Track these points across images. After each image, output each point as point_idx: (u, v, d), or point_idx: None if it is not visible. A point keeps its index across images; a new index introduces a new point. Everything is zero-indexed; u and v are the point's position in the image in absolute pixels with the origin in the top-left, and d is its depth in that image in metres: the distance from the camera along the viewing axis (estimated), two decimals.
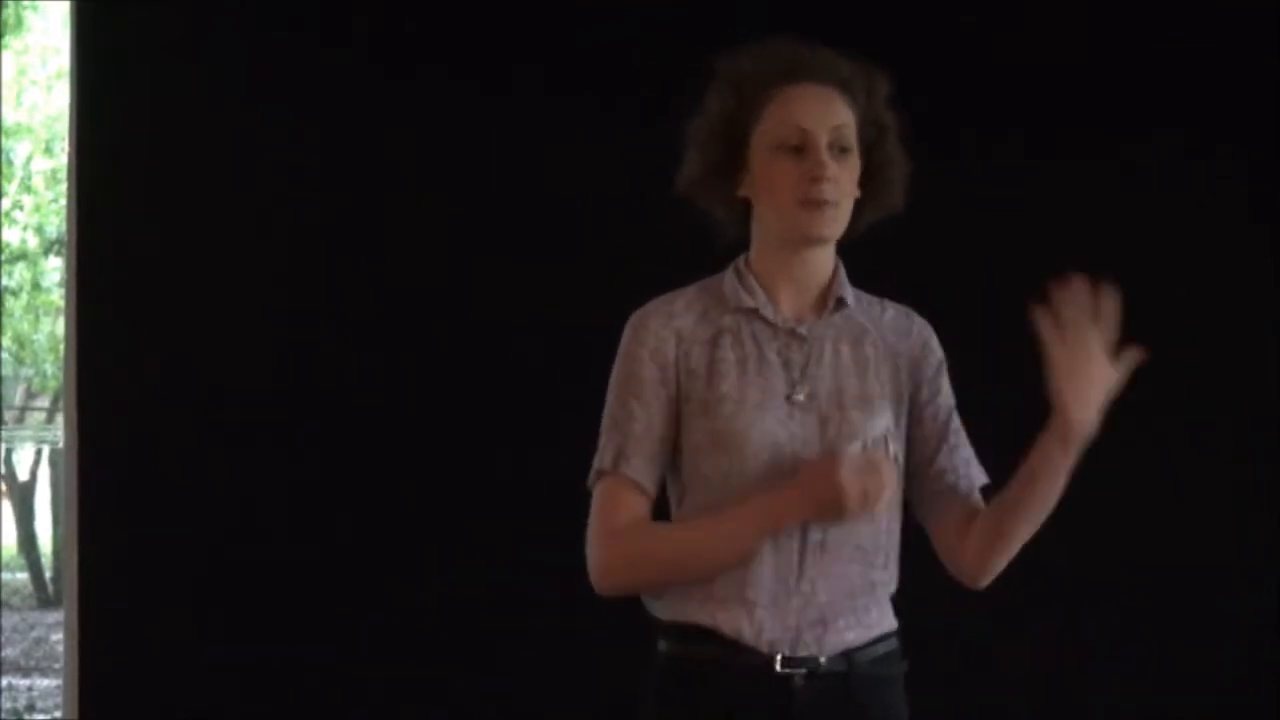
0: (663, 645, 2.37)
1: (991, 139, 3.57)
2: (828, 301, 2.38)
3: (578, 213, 3.56)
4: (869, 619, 2.35)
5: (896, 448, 2.36)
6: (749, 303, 2.37)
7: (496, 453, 3.59)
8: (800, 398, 2.33)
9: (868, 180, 2.37)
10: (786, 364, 2.35)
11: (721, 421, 2.33)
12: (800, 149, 2.30)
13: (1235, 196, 3.57)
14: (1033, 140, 3.58)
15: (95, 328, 3.72)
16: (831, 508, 2.24)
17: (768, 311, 2.37)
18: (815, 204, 2.30)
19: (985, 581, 2.41)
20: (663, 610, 2.37)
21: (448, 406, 3.62)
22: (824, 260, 2.38)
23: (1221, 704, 3.52)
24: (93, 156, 3.75)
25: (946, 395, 2.42)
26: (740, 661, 2.30)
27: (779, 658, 2.30)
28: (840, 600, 2.32)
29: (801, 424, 2.32)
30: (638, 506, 2.35)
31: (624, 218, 3.50)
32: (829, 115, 2.31)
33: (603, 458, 2.37)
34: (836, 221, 2.33)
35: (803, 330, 2.36)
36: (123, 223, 3.72)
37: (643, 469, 2.36)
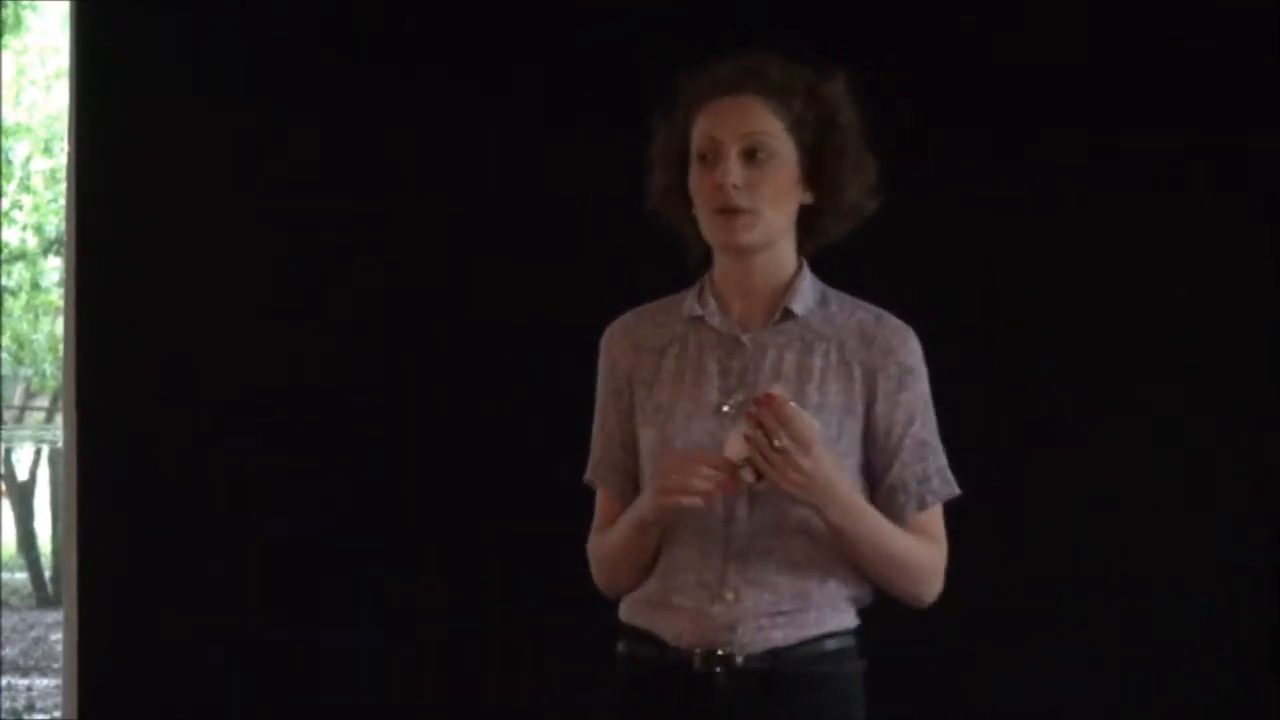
0: (618, 646, 2.45)
1: (991, 139, 3.56)
2: (778, 310, 2.39)
3: (578, 213, 3.55)
4: (804, 620, 2.35)
5: (843, 460, 2.34)
6: (697, 311, 2.41)
7: (498, 453, 3.59)
8: (728, 408, 2.35)
9: (817, 184, 2.38)
10: (724, 373, 2.38)
11: (656, 431, 2.39)
12: (712, 158, 2.34)
13: (1235, 196, 3.56)
14: (1032, 140, 3.57)
15: (94, 328, 3.72)
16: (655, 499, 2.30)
17: (714, 320, 2.39)
18: (726, 212, 2.33)
19: (919, 604, 2.41)
20: (620, 613, 2.46)
21: (448, 406, 3.62)
22: (774, 268, 2.39)
23: (1221, 704, 3.52)
24: (92, 156, 3.74)
25: (906, 407, 2.39)
26: (668, 660, 2.36)
27: (698, 655, 2.33)
28: (765, 607, 2.34)
29: (733, 435, 2.32)
30: (608, 512, 2.49)
31: (624, 219, 3.49)
32: (741, 123, 2.33)
33: (589, 466, 2.51)
34: (753, 229, 2.34)
35: (745, 339, 2.38)
36: (122, 223, 3.72)
37: (612, 477, 2.48)
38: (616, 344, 2.47)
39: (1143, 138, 3.54)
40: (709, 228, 2.36)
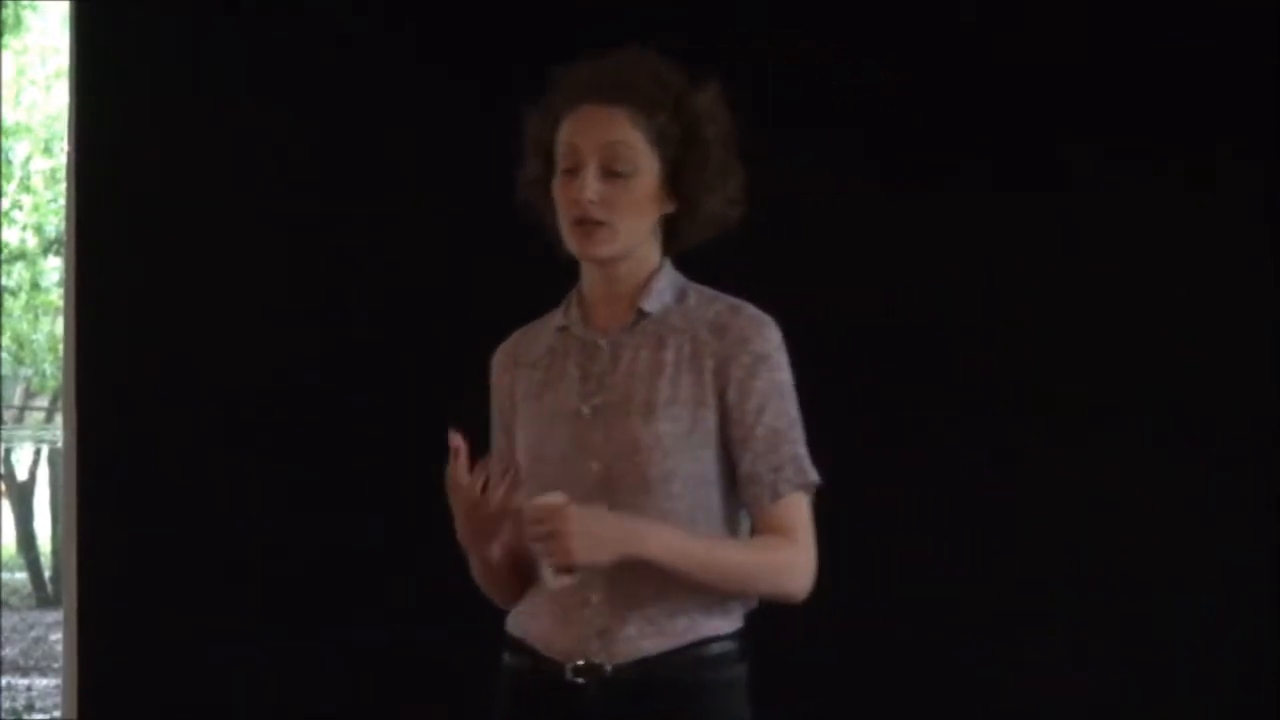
0: (504, 657, 2.44)
1: (991, 139, 3.57)
2: (633, 312, 2.39)
3: None
4: (672, 627, 2.32)
5: (693, 453, 2.32)
6: (562, 321, 2.44)
7: None
8: (586, 410, 2.35)
9: (679, 195, 2.36)
10: (585, 376, 2.38)
11: (524, 438, 2.42)
12: (573, 169, 2.33)
13: (1236, 196, 3.57)
14: (1032, 140, 3.58)
15: (94, 327, 3.72)
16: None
17: (577, 329, 2.41)
18: (583, 224, 2.33)
19: (791, 602, 2.36)
20: (506, 622, 2.46)
21: (449, 407, 3.61)
22: (633, 273, 2.39)
23: (1222, 704, 3.52)
24: (92, 156, 3.75)
25: (758, 395, 2.34)
26: (542, 671, 2.35)
27: (569, 666, 2.33)
28: (631, 612, 2.32)
29: (589, 435, 2.34)
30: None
31: None
32: (600, 135, 2.32)
33: None
34: (609, 242, 2.34)
35: (602, 342, 2.39)
36: (122, 222, 3.73)
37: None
38: (500, 362, 2.51)
39: (1142, 137, 3.55)
40: (568, 237, 2.36)
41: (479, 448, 3.61)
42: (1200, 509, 3.54)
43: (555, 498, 2.22)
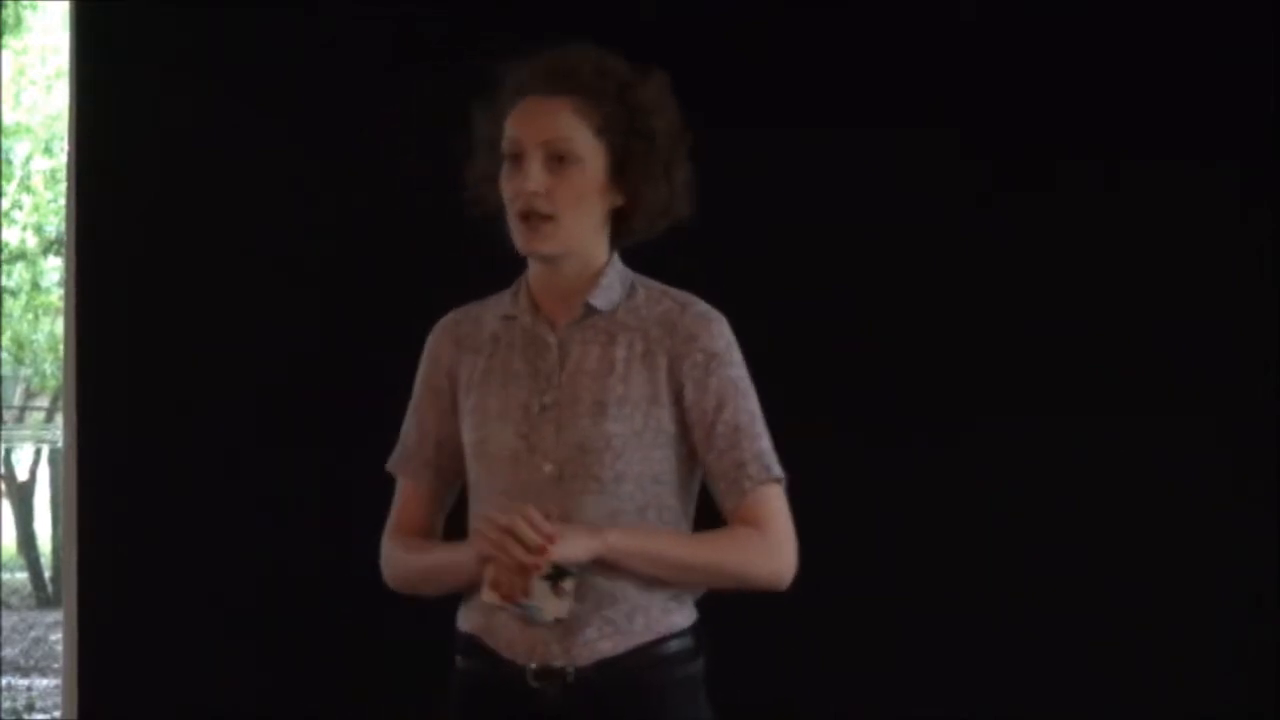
0: (456, 658, 2.42)
1: (992, 139, 3.57)
2: (581, 307, 2.37)
3: None
4: (629, 627, 2.31)
5: (645, 453, 2.32)
6: (510, 310, 2.41)
7: None
8: (536, 408, 2.34)
9: (626, 184, 2.34)
10: (534, 372, 2.36)
11: (471, 432, 2.39)
12: (517, 160, 2.32)
13: (1236, 195, 3.57)
14: (1032, 140, 3.58)
15: (94, 328, 3.73)
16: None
17: (525, 320, 2.38)
18: (528, 219, 2.32)
19: (771, 591, 2.36)
20: (457, 621, 2.43)
21: None
22: (581, 268, 2.37)
23: (1221, 705, 3.53)
24: (92, 156, 3.75)
25: (715, 393, 2.34)
26: (500, 674, 2.33)
27: (530, 670, 2.31)
28: (588, 612, 2.30)
29: (540, 434, 2.32)
30: (417, 508, 2.47)
31: None
32: (544, 127, 2.31)
33: (393, 456, 2.50)
34: (554, 237, 2.32)
35: (550, 338, 2.37)
36: (122, 222, 3.73)
37: (420, 472, 2.47)
38: (439, 341, 2.48)
39: (1142, 137, 3.56)
40: (513, 232, 2.35)
41: None
42: (1200, 509, 3.54)
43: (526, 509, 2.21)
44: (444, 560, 2.41)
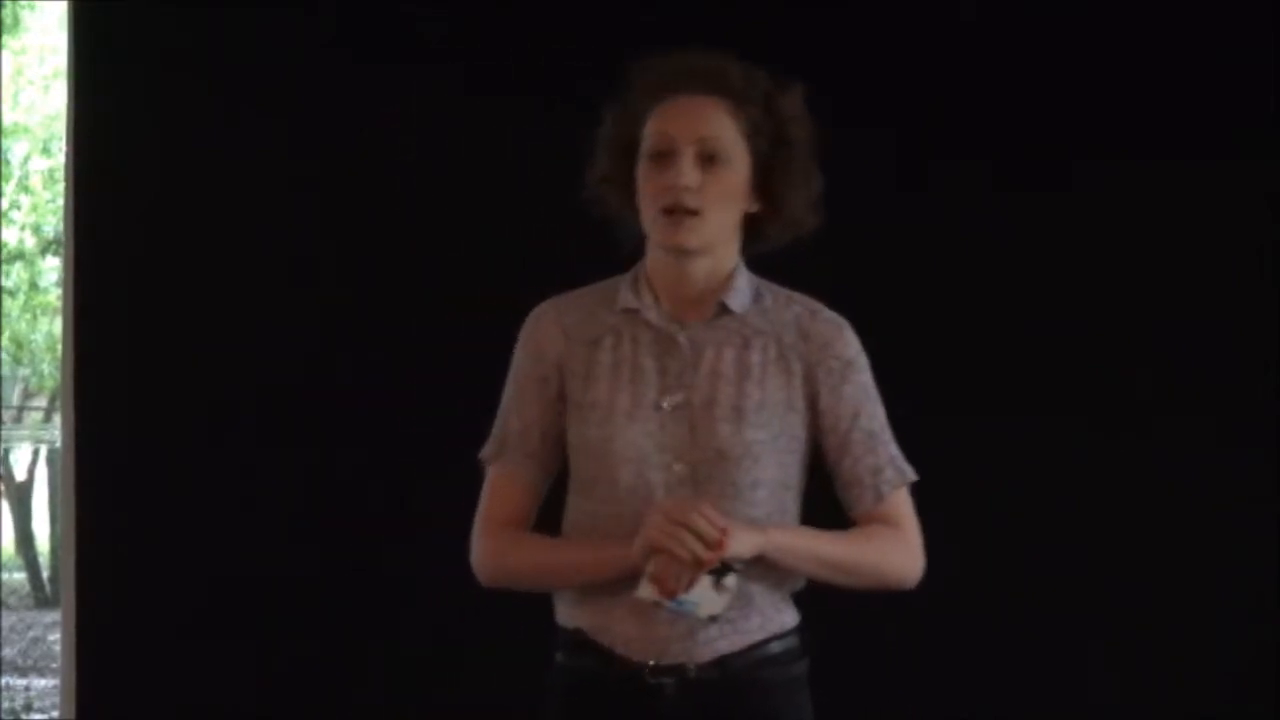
0: (556, 655, 2.41)
1: (993, 139, 3.57)
2: (714, 307, 2.36)
3: (585, 214, 3.55)
4: (747, 625, 2.33)
5: (779, 459, 2.33)
6: (632, 304, 2.37)
7: None
8: (667, 406, 2.32)
9: (765, 194, 2.35)
10: (662, 370, 2.34)
11: (591, 428, 2.35)
12: (666, 157, 2.30)
13: (1236, 195, 3.57)
14: (1032, 140, 3.58)
15: (92, 327, 3.72)
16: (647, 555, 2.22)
17: (650, 314, 2.36)
18: (674, 212, 2.30)
19: (901, 589, 2.39)
20: (558, 616, 2.42)
21: (449, 407, 3.61)
22: (712, 267, 2.36)
23: (1221, 706, 3.52)
24: (90, 156, 3.74)
25: (849, 401, 2.36)
26: (614, 671, 2.33)
27: (648, 667, 2.31)
28: None
29: (671, 434, 2.31)
30: (517, 500, 2.42)
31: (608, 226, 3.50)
32: (698, 125, 2.31)
33: (488, 446, 2.44)
34: (698, 232, 2.31)
35: (682, 336, 2.35)
36: (120, 222, 3.72)
37: (523, 464, 2.41)
38: (545, 330, 2.42)
39: (1142, 137, 3.56)
40: (654, 226, 2.33)
41: (476, 432, 3.61)
42: (1200, 509, 3.54)
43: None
44: (575, 558, 2.37)
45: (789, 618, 2.37)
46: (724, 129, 2.31)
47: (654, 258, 2.38)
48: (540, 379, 2.40)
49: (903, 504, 2.39)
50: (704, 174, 2.29)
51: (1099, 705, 3.54)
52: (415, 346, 3.65)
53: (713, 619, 2.24)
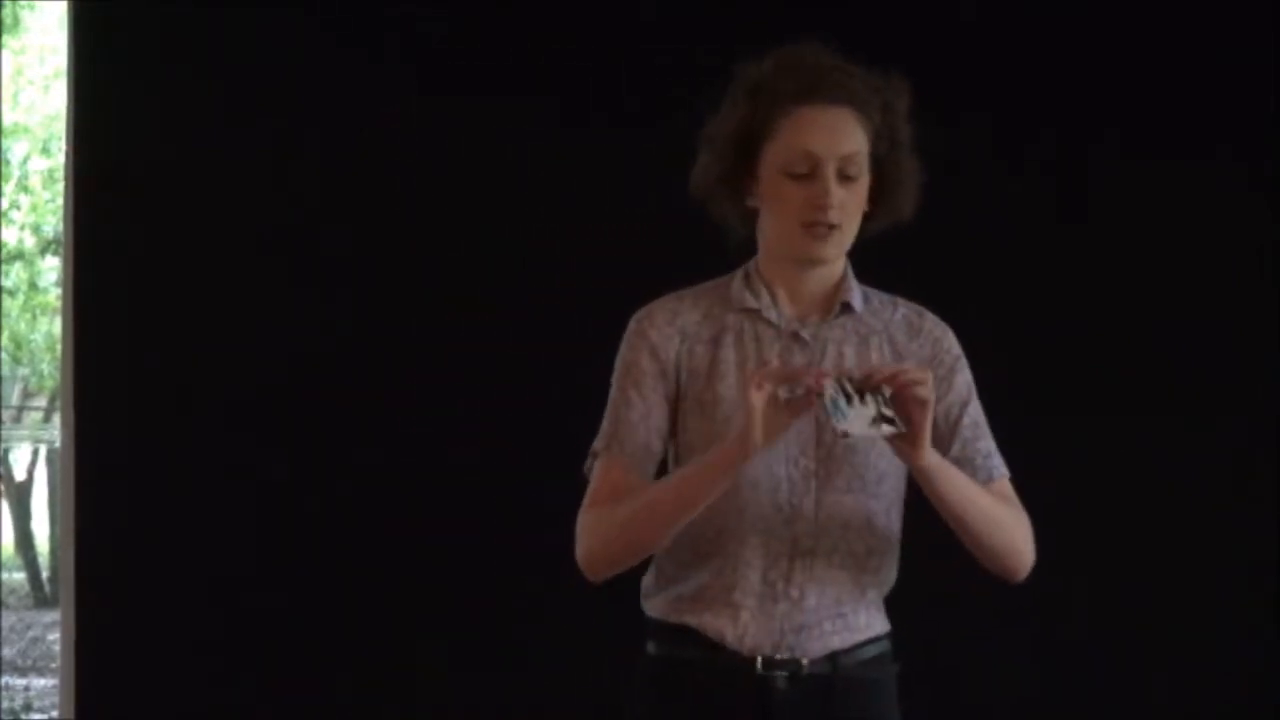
0: (650, 647, 2.41)
1: (994, 139, 3.57)
2: (833, 305, 2.39)
3: (590, 212, 3.55)
4: (856, 622, 2.36)
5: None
6: (752, 304, 2.39)
7: (498, 455, 3.58)
8: (784, 394, 2.28)
9: (879, 193, 2.38)
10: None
11: (718, 423, 2.35)
12: (808, 174, 2.31)
13: (1236, 195, 3.57)
14: (1032, 140, 3.58)
15: (92, 327, 3.72)
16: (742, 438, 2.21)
17: (770, 313, 2.38)
18: (819, 228, 2.32)
19: (1013, 576, 2.37)
20: (652, 609, 2.41)
21: (449, 407, 3.62)
22: (830, 270, 2.39)
23: (1221, 706, 3.52)
24: (90, 156, 3.74)
25: (959, 392, 2.40)
26: (722, 663, 2.33)
27: (760, 659, 2.32)
28: (828, 606, 2.34)
29: (797, 429, 2.30)
30: (625, 485, 2.36)
31: (633, 220, 3.50)
32: (839, 143, 2.31)
33: (598, 441, 2.41)
34: (839, 245, 2.35)
35: (805, 333, 2.37)
36: (120, 222, 3.72)
37: (635, 453, 2.38)
38: (659, 329, 2.41)
39: (1141, 137, 3.56)
40: (792, 239, 2.34)
41: (486, 443, 3.60)
42: (1200, 509, 3.54)
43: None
44: (682, 473, 2.32)
45: (885, 623, 2.41)
46: (859, 143, 2.33)
47: (772, 262, 2.40)
48: (658, 375, 2.39)
49: (1012, 491, 2.40)
50: (844, 189, 2.32)
51: (1101, 705, 3.54)
52: (416, 346, 3.65)
53: (845, 434, 2.18)
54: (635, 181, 3.45)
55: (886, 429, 2.18)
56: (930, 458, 2.22)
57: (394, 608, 3.63)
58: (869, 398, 2.18)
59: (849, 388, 2.18)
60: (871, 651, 2.37)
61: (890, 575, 2.41)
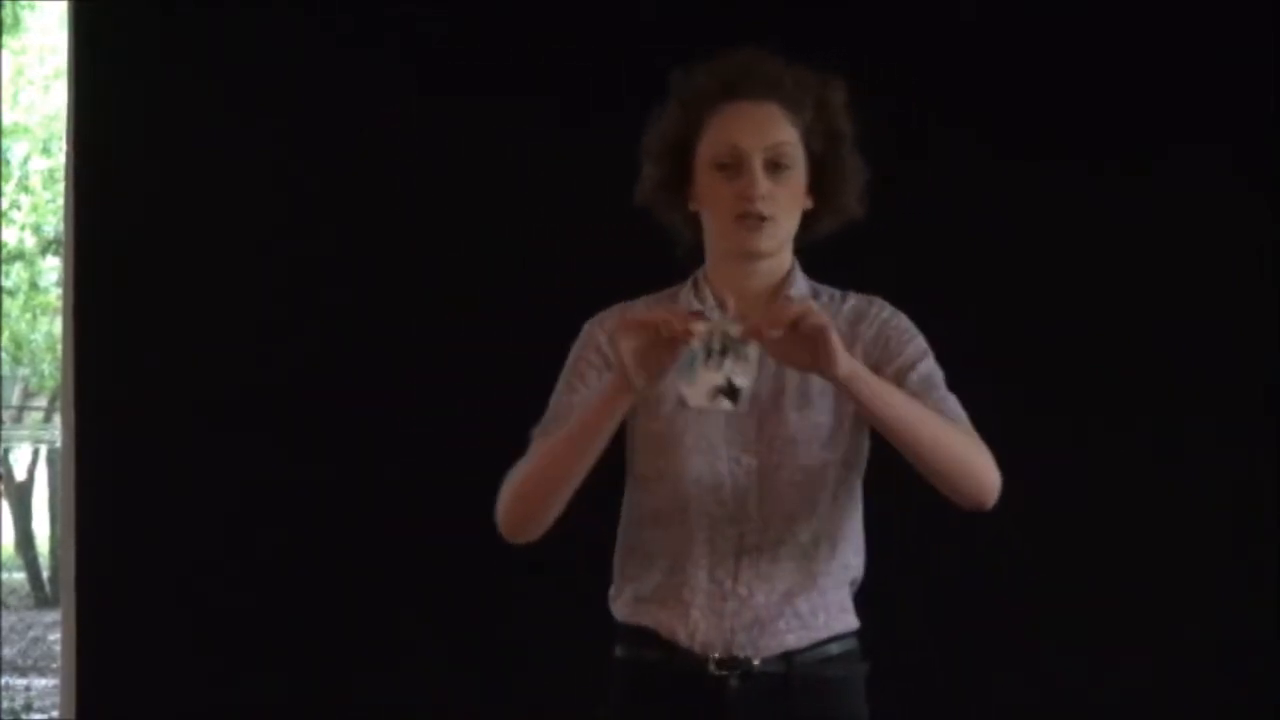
0: (617, 649, 2.45)
1: (992, 139, 3.57)
2: (777, 301, 2.40)
3: (584, 214, 3.55)
4: (814, 621, 2.38)
5: (844, 439, 2.37)
6: (696, 306, 2.42)
7: (498, 455, 3.58)
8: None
9: (820, 189, 2.41)
10: None
11: (659, 423, 2.39)
12: (735, 167, 2.34)
13: (1236, 194, 3.57)
14: (1032, 140, 3.58)
15: (92, 327, 3.72)
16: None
17: (713, 315, 2.38)
18: (749, 220, 2.34)
19: (980, 501, 2.35)
20: (617, 611, 2.45)
21: (447, 407, 3.62)
22: (773, 267, 2.42)
23: (1221, 706, 3.52)
24: (90, 156, 3.74)
25: (908, 357, 2.39)
26: (677, 663, 2.36)
27: (713, 659, 2.34)
28: (778, 602, 2.36)
29: (739, 426, 2.35)
30: None
31: (633, 220, 3.49)
32: (764, 133, 2.35)
33: (541, 423, 2.45)
34: (773, 237, 2.37)
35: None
36: (120, 222, 3.72)
37: None
38: (608, 330, 2.43)
39: (1141, 137, 3.56)
40: (726, 233, 2.38)
41: (485, 442, 3.60)
42: (1200, 509, 3.54)
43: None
44: (579, 415, 2.32)
45: (852, 620, 2.42)
46: (786, 134, 2.36)
47: (716, 261, 2.44)
48: (601, 367, 2.43)
49: (971, 428, 2.37)
50: (772, 181, 2.34)
51: (1099, 706, 3.54)
52: (416, 347, 3.65)
53: (683, 404, 2.20)
54: (635, 182, 3.44)
55: (725, 403, 2.18)
56: (846, 366, 2.19)
57: (394, 608, 3.63)
58: (729, 360, 2.17)
59: (716, 344, 2.17)
60: (834, 650, 2.38)
61: (848, 563, 2.42)
